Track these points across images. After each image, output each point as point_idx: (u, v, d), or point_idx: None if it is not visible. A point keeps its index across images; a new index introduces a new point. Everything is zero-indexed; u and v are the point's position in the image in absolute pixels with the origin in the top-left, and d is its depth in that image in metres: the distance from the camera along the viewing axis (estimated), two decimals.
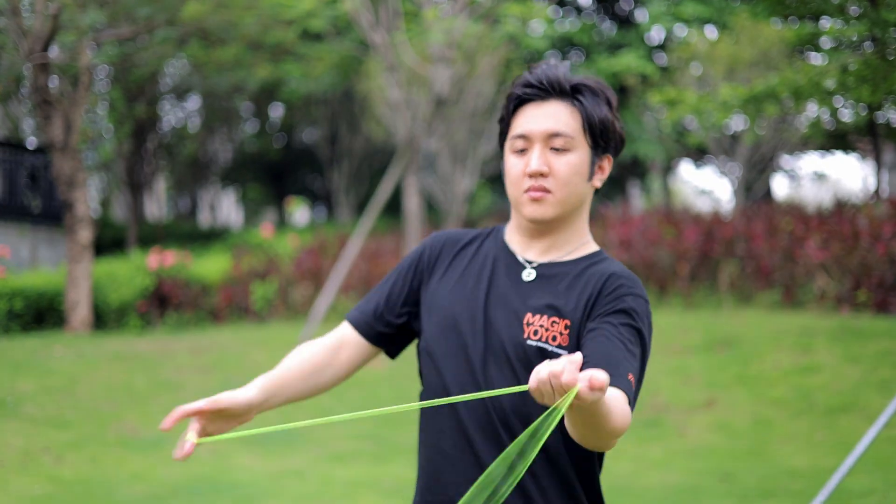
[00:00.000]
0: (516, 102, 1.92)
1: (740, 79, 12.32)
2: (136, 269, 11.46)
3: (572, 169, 1.87)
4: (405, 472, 6.21)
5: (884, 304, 9.18)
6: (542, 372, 1.47)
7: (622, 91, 17.00)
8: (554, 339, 1.84)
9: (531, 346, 1.84)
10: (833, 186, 26.28)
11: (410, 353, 2.17)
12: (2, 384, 7.98)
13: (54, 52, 11.36)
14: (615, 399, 1.63)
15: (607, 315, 1.81)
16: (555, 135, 1.87)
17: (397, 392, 8.00)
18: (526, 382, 1.78)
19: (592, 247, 1.97)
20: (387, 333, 2.05)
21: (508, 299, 1.89)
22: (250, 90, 17.81)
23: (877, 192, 13.12)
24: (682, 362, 8.37)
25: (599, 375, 1.43)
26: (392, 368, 8.45)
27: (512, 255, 1.96)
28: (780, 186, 32.03)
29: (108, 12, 11.62)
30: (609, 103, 1.91)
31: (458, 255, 2.02)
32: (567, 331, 1.84)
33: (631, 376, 1.73)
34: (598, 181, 1.94)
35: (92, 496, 5.81)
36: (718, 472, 6.10)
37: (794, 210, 11.50)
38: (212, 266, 12.25)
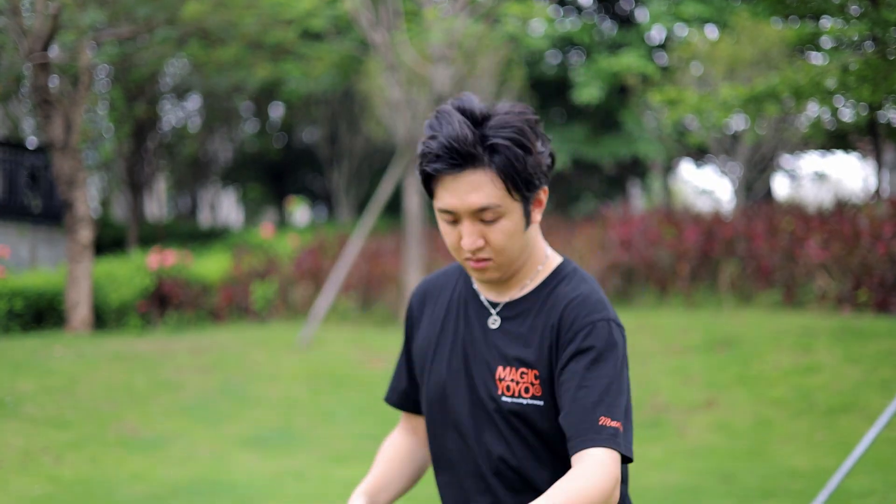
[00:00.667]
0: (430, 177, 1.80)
1: (741, 78, 12.30)
2: (136, 269, 11.45)
3: (507, 235, 1.79)
4: None
5: (884, 304, 9.17)
6: None
7: (622, 91, 16.99)
8: (526, 390, 1.82)
9: (506, 402, 1.83)
10: (834, 186, 26.29)
11: None
12: (2, 384, 7.98)
13: (54, 52, 11.35)
14: (582, 488, 1.63)
15: (569, 360, 1.78)
16: (482, 209, 1.77)
17: None
18: (512, 440, 1.82)
19: (553, 263, 1.91)
20: None
21: (481, 351, 1.88)
22: (250, 90, 17.80)
23: (877, 191, 13.11)
24: (682, 362, 8.37)
25: None
26: (392, 368, 8.43)
27: (477, 299, 1.93)
28: (780, 186, 32.06)
29: (107, 12, 11.61)
30: (526, 146, 1.74)
31: (437, 305, 2.00)
32: (538, 381, 1.81)
33: (605, 419, 1.71)
34: (538, 216, 1.86)
35: (92, 496, 5.81)
36: (718, 472, 6.10)
37: (795, 210, 11.48)
38: (212, 266, 12.24)
